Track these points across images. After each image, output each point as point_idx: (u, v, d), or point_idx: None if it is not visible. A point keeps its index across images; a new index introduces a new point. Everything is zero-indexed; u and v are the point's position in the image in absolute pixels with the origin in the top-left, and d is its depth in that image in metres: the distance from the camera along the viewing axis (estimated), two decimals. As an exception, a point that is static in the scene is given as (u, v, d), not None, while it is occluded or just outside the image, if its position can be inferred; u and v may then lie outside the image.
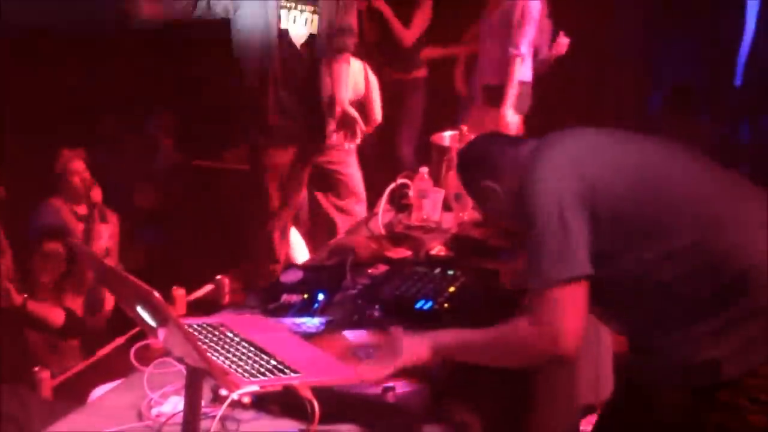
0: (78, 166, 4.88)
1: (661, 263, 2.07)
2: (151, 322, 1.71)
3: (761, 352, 2.02)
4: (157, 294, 1.57)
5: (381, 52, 6.03)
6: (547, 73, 5.67)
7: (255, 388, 1.82)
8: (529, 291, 2.08)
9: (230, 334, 2.06)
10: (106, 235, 4.92)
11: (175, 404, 2.08)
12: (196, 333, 2.06)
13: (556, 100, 6.07)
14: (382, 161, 5.81)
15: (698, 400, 2.07)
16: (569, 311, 2.01)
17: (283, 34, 4.11)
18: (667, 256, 2.06)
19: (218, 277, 4.32)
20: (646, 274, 2.08)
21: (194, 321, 2.15)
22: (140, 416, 2.12)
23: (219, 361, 1.89)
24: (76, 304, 4.47)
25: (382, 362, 2.11)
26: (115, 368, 2.88)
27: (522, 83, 5.38)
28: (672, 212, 2.10)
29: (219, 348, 1.99)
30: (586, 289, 2.04)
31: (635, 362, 2.21)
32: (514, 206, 2.20)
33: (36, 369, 3.60)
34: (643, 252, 2.07)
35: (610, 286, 2.10)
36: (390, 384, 2.06)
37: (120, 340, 4.00)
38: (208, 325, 2.12)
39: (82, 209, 4.90)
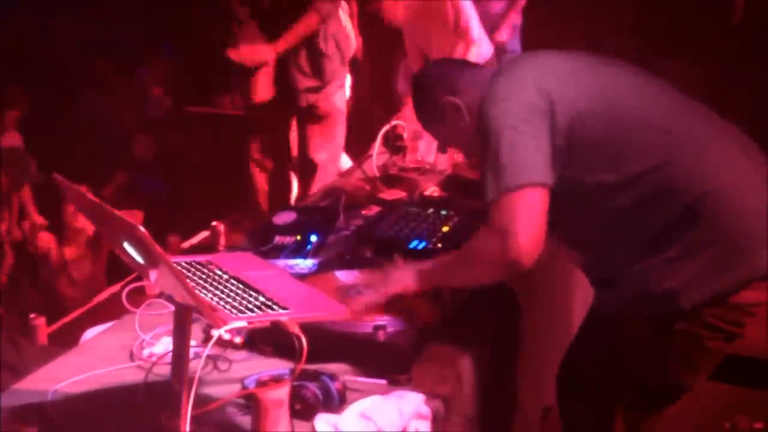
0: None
1: (621, 187, 2.07)
2: (139, 260, 1.69)
3: (715, 282, 2.04)
4: (141, 228, 1.55)
5: None
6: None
7: (243, 323, 1.80)
8: (487, 203, 2.06)
9: (219, 272, 2.04)
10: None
11: (166, 345, 2.08)
12: (184, 271, 2.04)
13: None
14: (376, 102, 5.77)
15: (657, 329, 2.10)
16: (523, 214, 1.99)
17: None
18: (626, 180, 2.07)
19: (214, 223, 4.30)
20: (607, 198, 2.09)
21: (182, 259, 2.13)
22: (132, 357, 2.12)
23: (207, 299, 1.87)
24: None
25: (371, 291, 2.13)
26: (110, 314, 2.88)
27: None
28: (634, 135, 2.10)
29: (207, 285, 1.97)
30: (544, 198, 2.03)
31: (598, 294, 2.22)
32: (474, 122, 2.18)
33: (32, 316, 3.59)
34: (604, 174, 2.08)
35: (571, 210, 2.10)
36: (381, 322, 2.05)
37: (115, 288, 4.00)
38: (196, 263, 2.10)
39: None
